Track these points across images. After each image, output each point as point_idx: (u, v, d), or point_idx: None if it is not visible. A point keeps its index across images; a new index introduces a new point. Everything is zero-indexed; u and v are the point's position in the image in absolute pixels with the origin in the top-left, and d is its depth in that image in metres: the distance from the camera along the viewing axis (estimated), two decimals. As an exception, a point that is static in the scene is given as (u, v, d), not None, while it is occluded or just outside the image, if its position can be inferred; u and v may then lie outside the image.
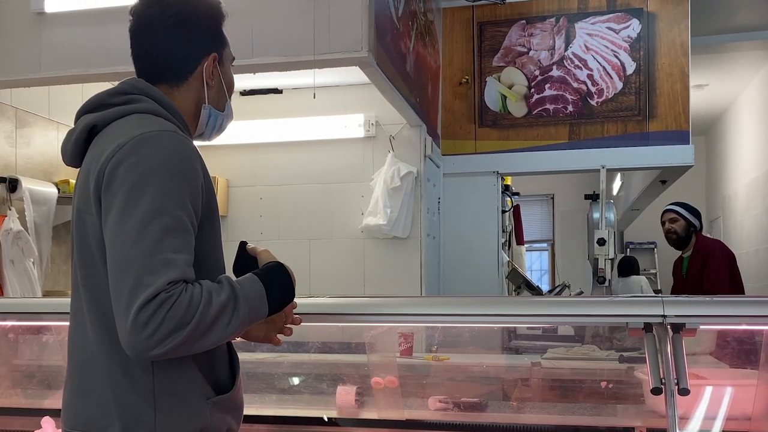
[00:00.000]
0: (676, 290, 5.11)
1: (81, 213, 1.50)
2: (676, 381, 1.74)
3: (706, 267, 4.81)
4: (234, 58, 1.75)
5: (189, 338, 1.34)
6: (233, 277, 1.52)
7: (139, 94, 1.57)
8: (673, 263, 5.24)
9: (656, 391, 1.75)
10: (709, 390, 2.15)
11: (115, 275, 1.37)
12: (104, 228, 1.42)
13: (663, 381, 1.76)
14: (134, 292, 1.32)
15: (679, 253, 5.14)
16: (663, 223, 5.06)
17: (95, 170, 1.45)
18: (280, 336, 1.70)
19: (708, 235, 5.29)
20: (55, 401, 1.64)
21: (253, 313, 1.47)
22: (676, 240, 5.01)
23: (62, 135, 4.45)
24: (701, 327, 1.84)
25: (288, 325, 1.69)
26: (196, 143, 1.68)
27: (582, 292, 6.11)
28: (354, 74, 4.05)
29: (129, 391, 1.46)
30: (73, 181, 4.29)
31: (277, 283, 1.54)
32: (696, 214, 5.02)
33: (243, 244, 1.69)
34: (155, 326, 1.31)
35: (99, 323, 1.48)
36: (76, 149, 1.57)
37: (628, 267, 7.77)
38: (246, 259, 1.66)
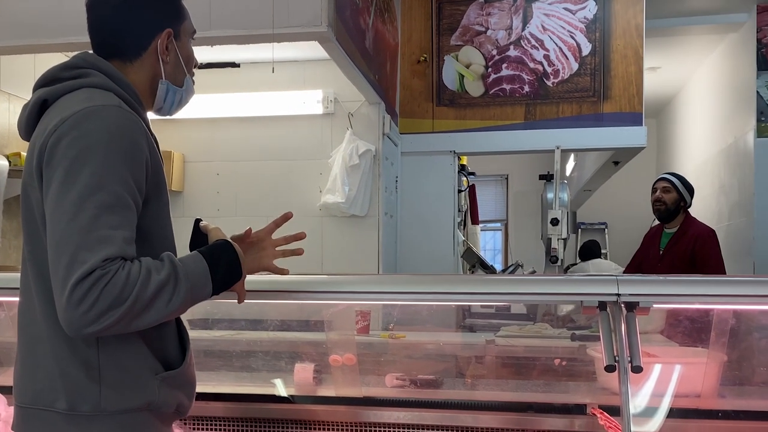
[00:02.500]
0: (646, 263, 4.82)
1: (26, 187, 1.50)
2: (629, 359, 1.77)
3: (698, 257, 4.52)
4: (195, 31, 1.73)
5: (126, 316, 1.34)
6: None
7: (89, 68, 1.55)
8: (646, 234, 5.01)
9: (610, 369, 1.78)
10: (660, 368, 2.20)
11: (52, 251, 1.36)
12: (45, 202, 1.41)
13: (616, 358, 1.79)
14: (70, 268, 1.32)
15: (648, 224, 4.95)
16: (654, 191, 4.77)
17: (38, 144, 1.44)
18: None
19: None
20: (7, 378, 1.62)
21: (196, 291, 1.46)
22: (663, 211, 4.71)
23: (13, 106, 4.34)
24: (654, 306, 1.86)
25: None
26: (150, 116, 1.66)
27: (535, 272, 6.20)
28: (313, 49, 4.02)
29: (74, 365, 1.46)
30: (24, 154, 4.19)
31: (223, 261, 1.52)
32: (690, 189, 4.76)
33: (197, 222, 1.68)
34: (90, 303, 1.30)
35: (45, 298, 1.47)
36: (29, 124, 1.56)
37: (589, 251, 7.85)
38: (199, 237, 1.65)
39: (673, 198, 4.69)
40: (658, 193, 4.72)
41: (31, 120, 1.55)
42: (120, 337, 1.45)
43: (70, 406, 1.45)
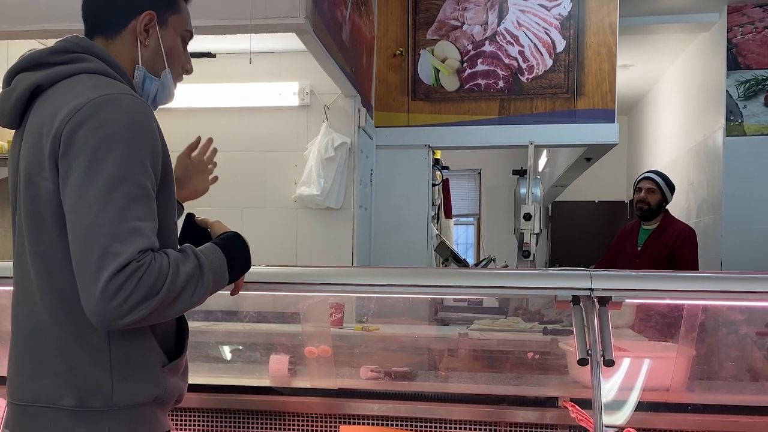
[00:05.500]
0: (622, 259, 4.85)
1: (32, 177, 1.44)
2: (601, 352, 1.79)
3: (677, 254, 4.59)
4: (190, 32, 1.69)
5: (158, 308, 1.34)
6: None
7: (83, 52, 1.51)
8: (621, 230, 5.06)
9: (583, 362, 1.80)
10: (631, 362, 2.24)
11: (79, 243, 1.33)
12: (63, 193, 1.38)
13: (589, 352, 1.81)
14: (102, 260, 1.30)
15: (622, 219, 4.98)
16: (638, 190, 4.78)
17: (49, 133, 1.40)
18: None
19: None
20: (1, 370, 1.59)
21: (216, 282, 1.48)
22: (646, 211, 4.74)
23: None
24: (626, 301, 1.89)
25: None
26: None
27: (507, 266, 6.23)
28: (289, 41, 4.01)
29: (85, 361, 1.43)
30: (-4, 143, 4.15)
31: (237, 253, 1.55)
32: (672, 189, 4.80)
33: (191, 217, 1.68)
34: (126, 295, 1.30)
35: (51, 292, 1.44)
36: (17, 110, 1.51)
37: None
38: (196, 231, 1.66)
39: (657, 199, 4.73)
40: (642, 193, 4.75)
41: (20, 106, 1.50)
42: (130, 330, 1.43)
43: (79, 403, 1.43)
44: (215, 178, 2.02)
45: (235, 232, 1.61)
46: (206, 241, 1.58)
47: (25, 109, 1.50)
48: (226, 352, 2.84)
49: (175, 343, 1.61)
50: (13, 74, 1.54)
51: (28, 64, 1.53)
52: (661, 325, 2.50)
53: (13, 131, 1.56)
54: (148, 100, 1.66)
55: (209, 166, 1.96)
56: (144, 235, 1.34)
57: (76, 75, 1.48)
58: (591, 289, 1.87)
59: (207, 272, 1.44)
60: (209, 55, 4.90)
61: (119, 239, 1.31)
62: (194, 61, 5.13)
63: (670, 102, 7.86)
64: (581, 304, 1.88)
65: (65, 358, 1.44)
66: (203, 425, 2.40)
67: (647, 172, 4.98)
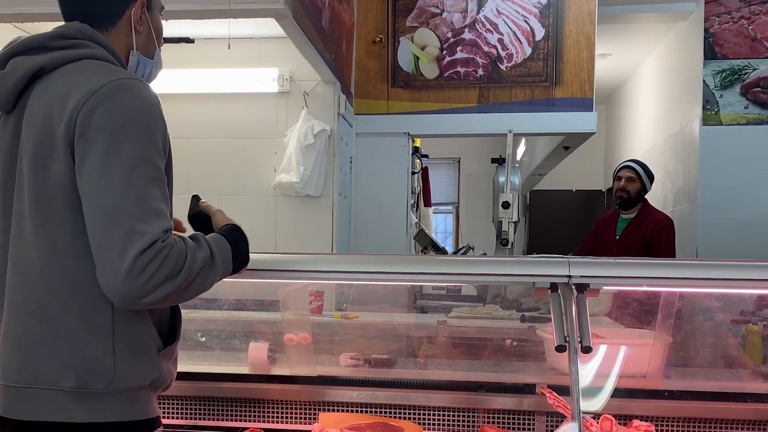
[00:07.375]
0: (600, 247, 4.86)
1: (42, 159, 1.45)
2: (579, 339, 1.80)
3: (655, 243, 4.62)
4: (163, 7, 1.73)
5: (177, 289, 1.38)
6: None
7: (84, 39, 1.53)
8: (600, 219, 5.07)
9: (560, 349, 1.81)
10: (608, 348, 2.26)
11: (102, 223, 1.36)
12: (79, 174, 1.39)
13: (567, 339, 1.82)
14: (128, 239, 1.33)
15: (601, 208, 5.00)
16: (618, 179, 4.79)
17: (62, 115, 1.41)
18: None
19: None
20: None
21: (224, 271, 1.52)
22: (625, 200, 4.76)
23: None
24: (604, 288, 1.90)
25: None
26: None
27: (485, 254, 6.26)
28: (269, 26, 3.97)
29: (87, 342, 1.44)
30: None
31: (241, 245, 1.59)
32: (652, 179, 4.83)
33: (196, 199, 1.72)
34: (151, 274, 1.33)
35: (57, 273, 1.44)
36: (14, 93, 1.51)
37: None
38: (202, 215, 1.70)
39: (636, 187, 4.75)
40: (622, 182, 4.77)
41: (18, 88, 1.50)
42: (131, 314, 1.46)
43: (80, 384, 1.43)
44: None
45: (237, 225, 1.65)
46: (205, 225, 1.65)
47: (24, 91, 1.50)
48: (206, 339, 2.83)
49: (168, 329, 1.62)
50: (7, 58, 1.54)
51: (24, 48, 1.53)
52: (638, 312, 2.53)
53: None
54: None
55: None
56: (164, 216, 1.40)
57: (81, 60, 1.50)
58: (569, 276, 1.88)
59: (218, 259, 1.48)
60: (187, 40, 4.85)
61: (143, 219, 1.35)
62: (172, 47, 5.09)
63: (647, 91, 7.90)
64: (559, 291, 1.89)
65: (68, 339, 1.44)
66: (182, 413, 2.40)
67: (627, 161, 5.00)
